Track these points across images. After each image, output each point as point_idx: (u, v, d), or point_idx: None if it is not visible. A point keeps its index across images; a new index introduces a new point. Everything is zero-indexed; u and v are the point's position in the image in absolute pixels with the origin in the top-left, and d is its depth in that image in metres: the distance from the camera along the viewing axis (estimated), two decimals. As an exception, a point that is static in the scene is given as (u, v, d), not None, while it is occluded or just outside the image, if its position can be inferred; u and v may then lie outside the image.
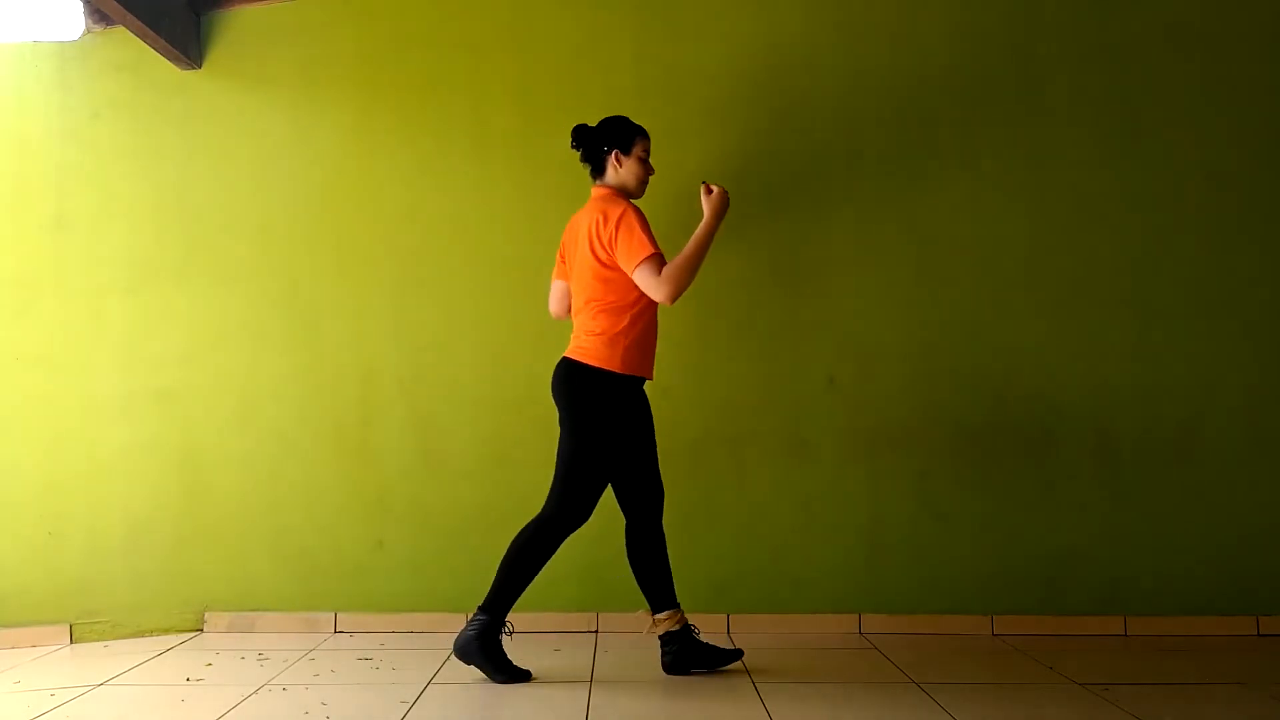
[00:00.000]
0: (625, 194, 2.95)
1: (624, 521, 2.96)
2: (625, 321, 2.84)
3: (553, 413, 2.94)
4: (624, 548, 2.97)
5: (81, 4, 3.43)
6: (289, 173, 3.49)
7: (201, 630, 3.42)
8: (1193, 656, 3.13)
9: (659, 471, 2.98)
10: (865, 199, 3.48)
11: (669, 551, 2.97)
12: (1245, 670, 2.97)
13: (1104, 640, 3.32)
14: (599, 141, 2.95)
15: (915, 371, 3.45)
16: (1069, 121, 3.47)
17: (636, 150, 2.94)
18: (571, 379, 2.86)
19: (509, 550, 2.87)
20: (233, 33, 3.50)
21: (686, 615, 2.95)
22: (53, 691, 2.79)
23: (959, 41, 3.49)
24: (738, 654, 2.97)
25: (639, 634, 3.32)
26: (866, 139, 3.48)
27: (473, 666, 2.85)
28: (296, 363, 3.46)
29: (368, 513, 3.44)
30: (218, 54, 3.50)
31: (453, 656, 2.89)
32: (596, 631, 3.39)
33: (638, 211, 2.87)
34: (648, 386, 2.97)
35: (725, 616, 3.41)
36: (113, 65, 3.46)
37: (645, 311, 2.89)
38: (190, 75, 3.48)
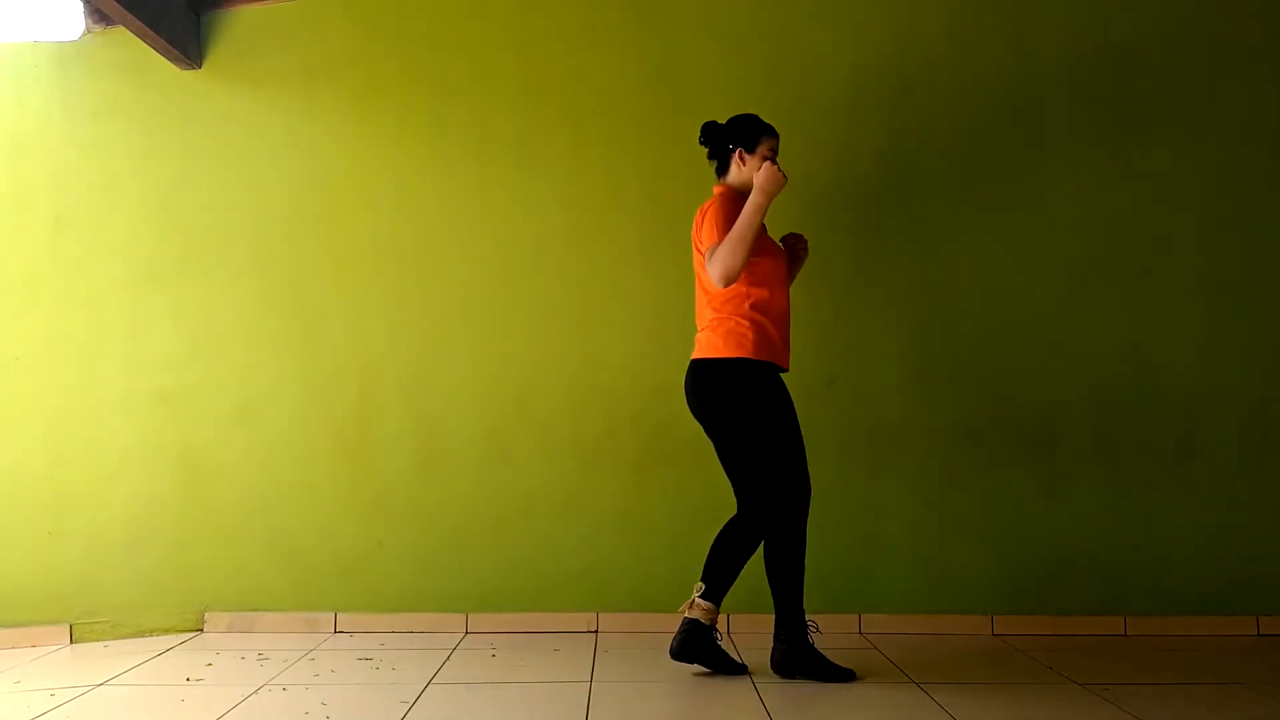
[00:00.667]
0: (748, 194, 2.83)
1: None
2: (730, 308, 2.82)
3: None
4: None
5: (81, 4, 3.43)
6: (289, 173, 3.49)
7: (201, 630, 3.42)
8: (1193, 656, 3.13)
9: (804, 468, 2.88)
10: (865, 198, 3.48)
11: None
12: (1245, 670, 2.97)
13: (1104, 640, 3.32)
14: (725, 139, 2.93)
15: (915, 371, 3.45)
16: (1069, 121, 3.47)
17: (761, 149, 2.88)
18: (693, 380, 2.90)
19: (766, 565, 2.86)
20: (233, 33, 3.50)
21: (684, 615, 2.93)
22: (53, 691, 2.79)
23: (959, 40, 3.49)
24: (743, 669, 2.92)
25: (639, 634, 3.33)
26: (866, 137, 3.48)
27: (800, 678, 2.82)
28: (296, 363, 3.46)
29: (367, 513, 3.44)
30: (218, 54, 3.50)
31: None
32: (596, 631, 3.38)
33: (730, 202, 2.81)
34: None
35: (725, 616, 3.40)
36: (113, 65, 3.46)
37: (752, 298, 2.83)
38: (190, 75, 3.48)
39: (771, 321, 2.85)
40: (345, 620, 3.42)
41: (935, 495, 3.43)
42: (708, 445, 3.42)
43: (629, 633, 3.34)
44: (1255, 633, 3.38)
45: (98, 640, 3.35)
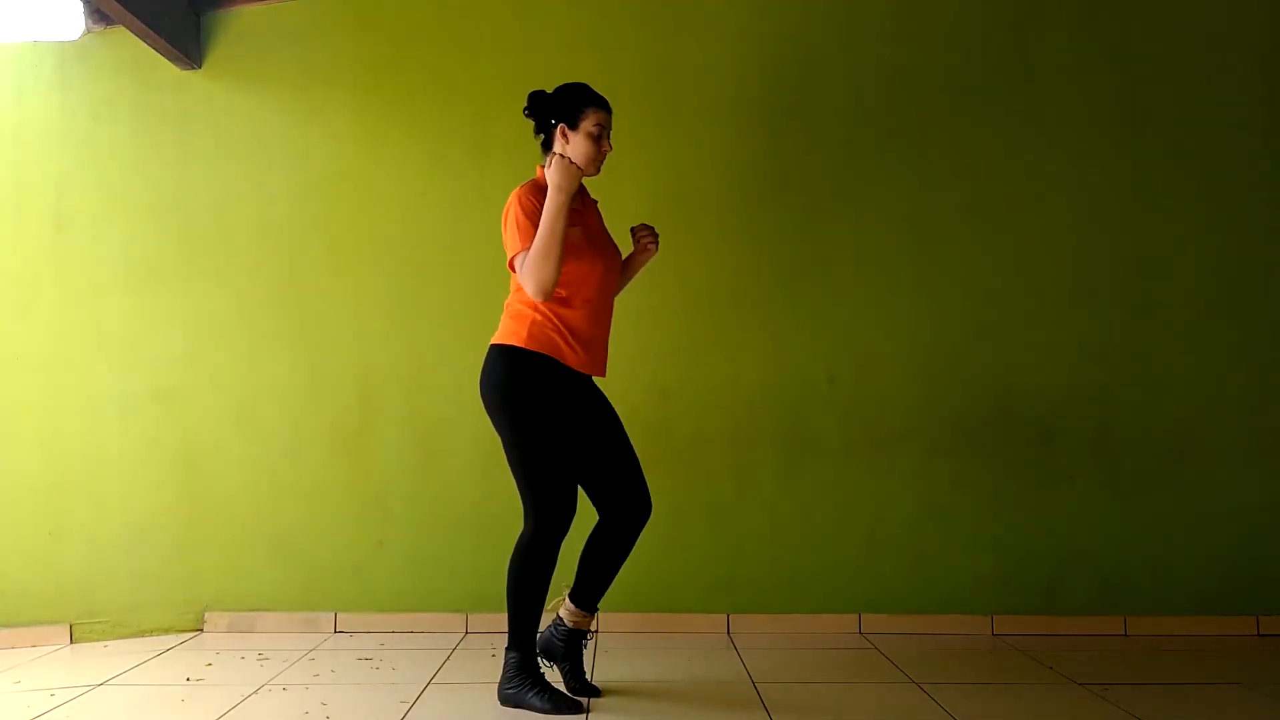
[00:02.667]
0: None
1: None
2: (522, 294, 2.56)
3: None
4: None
5: (81, 4, 3.43)
6: (289, 173, 3.49)
7: (201, 630, 3.42)
8: (1193, 656, 3.13)
9: (564, 485, 2.58)
10: (865, 198, 3.48)
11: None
12: (1245, 670, 2.97)
13: (1104, 640, 3.32)
14: (548, 112, 2.59)
15: (915, 371, 3.45)
16: (1069, 121, 3.48)
17: (586, 124, 2.56)
18: (483, 367, 2.62)
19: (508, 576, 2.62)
20: (233, 33, 3.50)
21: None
22: (53, 691, 2.79)
23: (960, 40, 3.49)
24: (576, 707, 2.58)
25: (639, 634, 3.33)
26: (866, 137, 3.48)
27: (522, 710, 2.56)
28: (296, 363, 3.46)
29: (368, 513, 3.44)
30: (218, 54, 3.50)
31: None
32: (596, 631, 3.38)
33: (532, 198, 2.52)
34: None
35: (725, 616, 3.41)
36: (113, 65, 3.46)
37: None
38: (190, 75, 3.48)
39: (566, 318, 2.55)
40: (345, 620, 3.42)
41: (935, 495, 3.43)
42: (707, 445, 3.43)
43: (629, 633, 3.34)
44: (1255, 633, 3.38)
45: (98, 640, 3.35)
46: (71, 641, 3.34)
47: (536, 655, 2.63)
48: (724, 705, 2.65)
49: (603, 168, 2.63)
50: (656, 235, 2.71)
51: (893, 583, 3.42)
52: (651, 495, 2.70)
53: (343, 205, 3.48)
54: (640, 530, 2.70)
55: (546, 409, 2.54)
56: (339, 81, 3.50)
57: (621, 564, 2.71)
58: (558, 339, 2.55)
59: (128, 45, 3.40)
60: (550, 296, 2.49)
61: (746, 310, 3.46)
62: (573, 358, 2.57)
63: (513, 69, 3.48)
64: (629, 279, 2.83)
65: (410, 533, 3.44)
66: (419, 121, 3.49)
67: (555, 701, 2.54)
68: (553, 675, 2.70)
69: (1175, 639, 3.32)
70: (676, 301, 3.43)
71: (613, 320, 2.71)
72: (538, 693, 2.56)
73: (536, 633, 2.64)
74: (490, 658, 3.09)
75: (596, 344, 2.63)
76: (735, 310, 3.45)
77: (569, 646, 2.71)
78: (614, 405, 2.72)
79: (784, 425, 3.44)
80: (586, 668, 2.78)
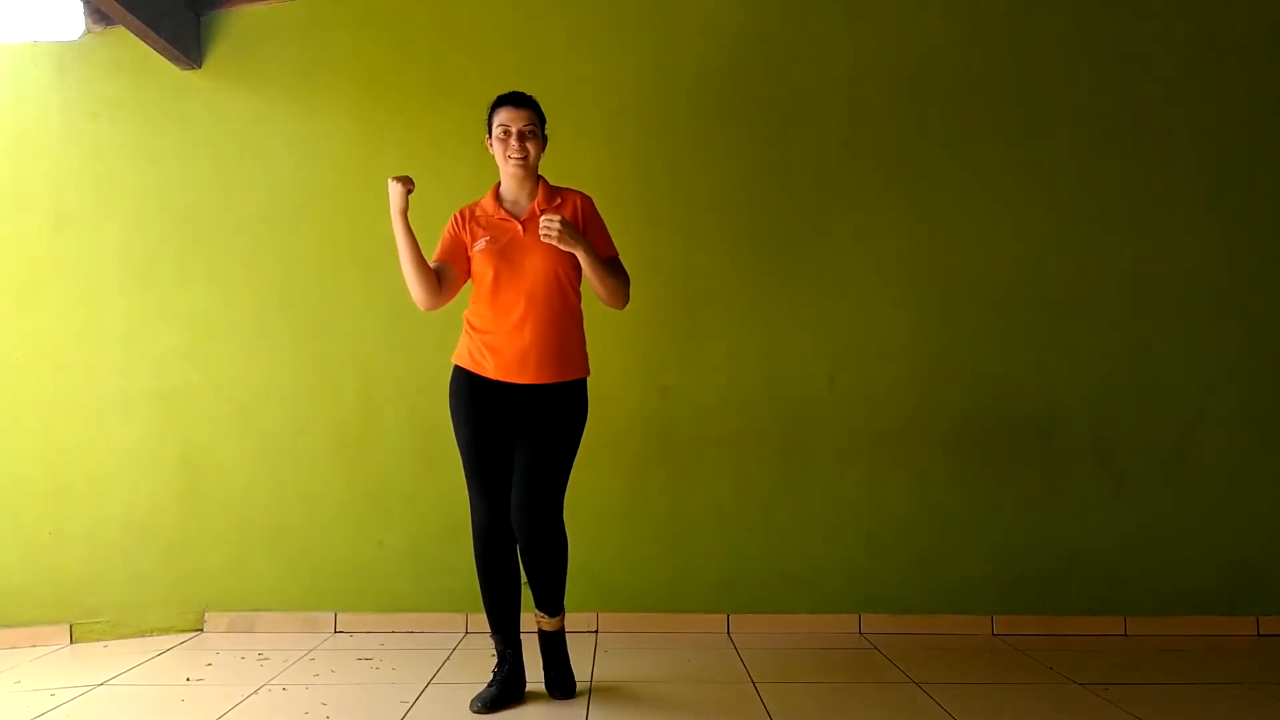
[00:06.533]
0: (501, 185, 2.77)
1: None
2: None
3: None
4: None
5: (81, 4, 3.43)
6: (289, 172, 3.49)
7: (201, 630, 3.42)
8: (1193, 656, 3.13)
9: (481, 495, 2.65)
10: (865, 198, 3.48)
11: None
12: (1245, 670, 2.97)
13: (1104, 640, 3.32)
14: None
15: (915, 371, 3.45)
16: (1069, 121, 3.47)
17: (495, 129, 2.73)
18: None
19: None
20: (233, 33, 3.50)
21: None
22: (53, 691, 2.79)
23: (960, 39, 3.49)
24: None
25: (639, 634, 3.33)
26: (867, 137, 3.48)
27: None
28: (296, 362, 3.46)
29: (368, 513, 3.44)
30: (218, 54, 3.50)
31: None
32: (596, 631, 3.38)
33: (455, 216, 2.75)
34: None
35: (725, 616, 3.41)
36: (113, 65, 3.46)
37: (470, 306, 2.72)
38: (190, 75, 3.48)
39: (481, 331, 2.65)
40: (345, 620, 3.42)
41: (935, 495, 3.43)
42: (707, 445, 3.43)
43: (629, 632, 3.34)
44: (1255, 633, 3.38)
45: (98, 640, 3.35)
46: (71, 641, 3.34)
47: (500, 650, 2.71)
48: (724, 705, 2.66)
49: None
50: (553, 222, 2.53)
51: (892, 583, 3.42)
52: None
53: (342, 204, 3.48)
54: (528, 551, 2.65)
55: (461, 418, 2.67)
56: (339, 81, 3.50)
57: (538, 577, 2.69)
58: (471, 350, 2.68)
59: (128, 45, 3.40)
60: (428, 308, 2.67)
61: (746, 310, 3.46)
62: (486, 367, 2.65)
63: (513, 69, 3.48)
64: (592, 277, 2.65)
65: (410, 533, 3.44)
66: (418, 121, 3.49)
67: (481, 699, 2.64)
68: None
69: (1175, 639, 3.32)
70: (676, 301, 3.43)
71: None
72: (487, 684, 2.69)
73: (499, 627, 2.70)
74: (490, 658, 3.09)
75: (514, 352, 2.62)
76: (735, 310, 3.45)
77: (540, 646, 2.77)
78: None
79: (784, 425, 3.44)
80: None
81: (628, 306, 2.78)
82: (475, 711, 2.60)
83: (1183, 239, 3.46)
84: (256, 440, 3.45)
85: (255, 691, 2.77)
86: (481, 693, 2.66)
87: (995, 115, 3.48)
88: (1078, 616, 3.40)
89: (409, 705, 2.65)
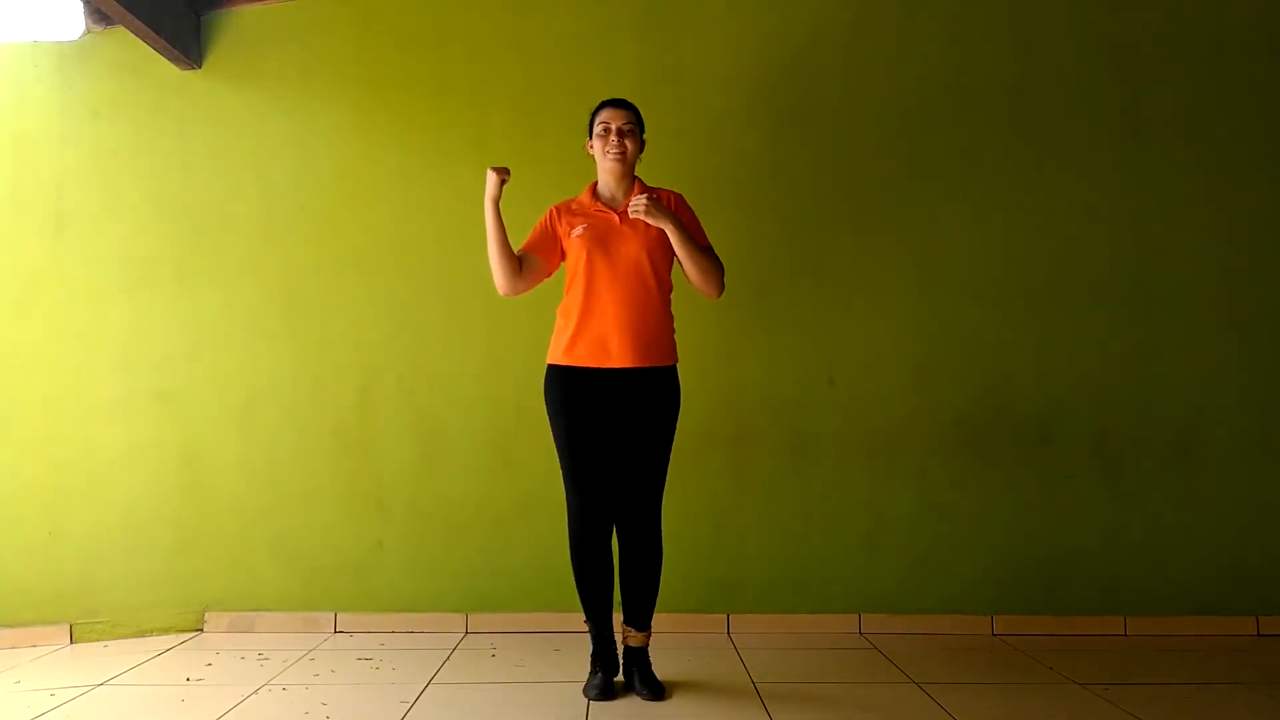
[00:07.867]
0: (598, 183, 2.85)
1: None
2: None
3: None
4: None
5: (81, 4, 3.43)
6: (289, 172, 3.49)
7: (201, 630, 3.42)
8: (1193, 656, 3.13)
9: (579, 487, 2.73)
10: (866, 199, 3.48)
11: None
12: (1245, 670, 2.97)
13: (1104, 640, 3.32)
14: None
15: (915, 371, 3.45)
16: (1069, 122, 3.47)
17: (596, 129, 2.81)
18: None
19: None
20: (233, 33, 3.50)
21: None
22: (53, 691, 2.79)
23: (961, 43, 3.49)
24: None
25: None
26: (868, 138, 3.48)
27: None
28: (297, 362, 3.46)
29: (368, 513, 3.44)
30: (218, 54, 3.50)
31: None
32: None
33: (551, 210, 2.84)
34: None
35: (725, 616, 3.41)
36: (113, 65, 3.46)
37: (564, 300, 2.81)
38: (190, 75, 3.48)
39: (574, 320, 2.73)
40: (345, 620, 3.42)
41: (935, 495, 3.43)
42: (707, 445, 3.43)
43: (629, 633, 3.34)
44: (1255, 633, 3.38)
45: (98, 640, 3.35)
46: (71, 641, 3.34)
47: (601, 647, 2.78)
48: (724, 705, 2.66)
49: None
50: (641, 198, 2.67)
51: (893, 583, 3.42)
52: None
53: (343, 204, 3.48)
54: (630, 555, 2.77)
55: (556, 408, 2.75)
56: (339, 81, 3.50)
57: (636, 583, 2.78)
58: (563, 343, 2.74)
59: (128, 45, 3.40)
60: (506, 292, 2.79)
61: (746, 310, 3.45)
62: (578, 354, 2.72)
63: (513, 69, 3.48)
64: (683, 256, 2.76)
65: (410, 533, 3.44)
66: (419, 120, 3.49)
67: (595, 687, 2.73)
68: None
69: (1175, 639, 3.32)
70: (675, 302, 3.42)
71: None
72: (589, 674, 2.79)
73: (599, 626, 2.78)
74: (490, 658, 3.09)
75: (605, 333, 2.71)
76: (735, 310, 3.45)
77: (624, 661, 2.83)
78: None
79: (784, 426, 3.44)
80: (586, 667, 2.80)
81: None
82: (593, 699, 2.69)
83: (1183, 239, 3.46)
84: (257, 440, 3.45)
85: (255, 691, 2.77)
86: (592, 681, 2.75)
87: (996, 115, 3.48)
88: (1078, 616, 3.40)
89: (409, 705, 2.65)
